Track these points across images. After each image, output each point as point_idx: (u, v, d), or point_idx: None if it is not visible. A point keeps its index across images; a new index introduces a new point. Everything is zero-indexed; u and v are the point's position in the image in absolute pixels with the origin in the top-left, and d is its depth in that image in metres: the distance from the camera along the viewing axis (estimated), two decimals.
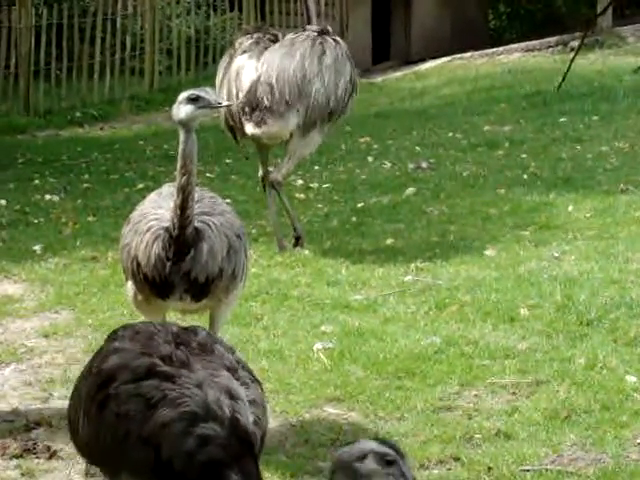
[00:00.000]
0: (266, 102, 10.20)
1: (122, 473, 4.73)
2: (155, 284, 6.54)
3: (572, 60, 13.72)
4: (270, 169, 10.76)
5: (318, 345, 8.02)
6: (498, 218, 11.24)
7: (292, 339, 8.19)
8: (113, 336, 5.08)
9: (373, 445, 4.29)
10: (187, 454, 4.51)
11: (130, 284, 6.74)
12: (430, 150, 14.62)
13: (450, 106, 18.55)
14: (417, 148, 14.82)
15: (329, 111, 10.45)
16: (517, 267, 9.60)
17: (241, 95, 10.32)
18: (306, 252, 10.42)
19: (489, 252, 10.10)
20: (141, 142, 17.14)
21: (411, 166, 13.80)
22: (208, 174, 14.00)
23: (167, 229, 6.42)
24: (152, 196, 6.86)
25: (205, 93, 6.41)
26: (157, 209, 6.62)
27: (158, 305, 6.73)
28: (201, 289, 6.55)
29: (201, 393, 4.60)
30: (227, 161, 14.19)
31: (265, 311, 8.78)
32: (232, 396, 4.66)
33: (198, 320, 7.40)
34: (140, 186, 13.46)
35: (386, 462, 4.25)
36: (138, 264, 6.54)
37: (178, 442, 4.51)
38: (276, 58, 10.36)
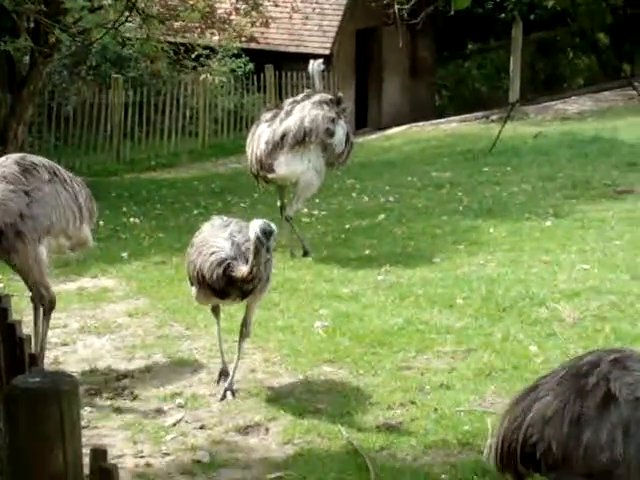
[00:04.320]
0: (270, 159, 10.18)
1: None
2: (216, 291, 6.44)
3: (500, 131, 13.61)
4: (285, 201, 10.75)
5: (318, 323, 7.98)
6: (442, 236, 11.18)
7: (299, 319, 8.15)
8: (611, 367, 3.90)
9: None
10: None
11: (194, 288, 6.63)
12: (395, 189, 14.56)
13: (409, 159, 18.50)
14: (386, 187, 14.75)
15: (304, 131, 10.13)
16: (455, 270, 9.55)
17: (259, 153, 10.29)
18: (309, 259, 10.39)
19: (436, 260, 10.05)
20: (195, 182, 17.08)
21: (382, 200, 13.77)
22: (242, 204, 13.99)
23: (227, 261, 6.28)
24: (207, 226, 6.69)
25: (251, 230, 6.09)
26: (215, 238, 6.46)
27: (215, 301, 6.70)
28: (247, 293, 6.44)
29: None
30: (255, 195, 14.16)
31: (281, 299, 8.72)
32: None
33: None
34: (195, 212, 13.46)
35: None
36: (203, 277, 6.40)
37: None
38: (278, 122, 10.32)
